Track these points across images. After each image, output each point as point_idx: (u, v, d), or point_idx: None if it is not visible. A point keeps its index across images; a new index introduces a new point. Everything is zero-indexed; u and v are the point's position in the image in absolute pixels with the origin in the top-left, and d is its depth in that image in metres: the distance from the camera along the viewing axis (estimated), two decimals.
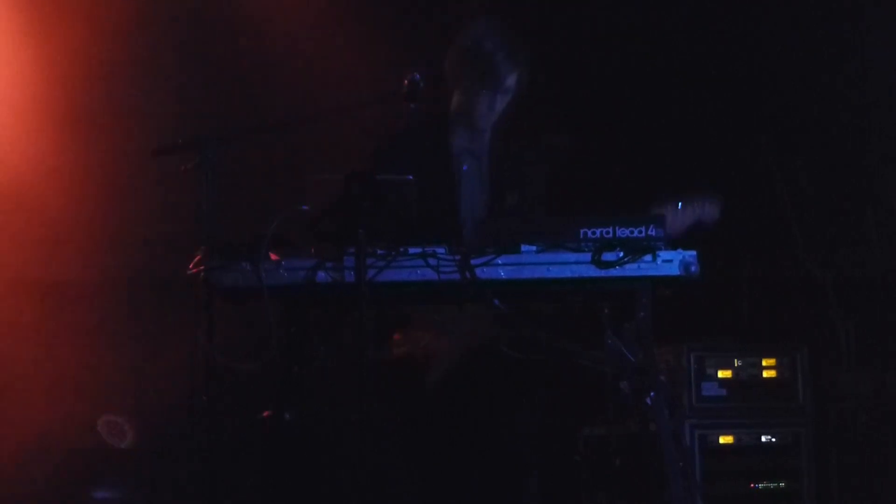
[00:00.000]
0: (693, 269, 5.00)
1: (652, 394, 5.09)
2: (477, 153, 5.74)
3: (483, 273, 4.97)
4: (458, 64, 5.62)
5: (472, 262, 4.95)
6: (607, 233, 5.02)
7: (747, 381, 7.07)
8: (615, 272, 4.99)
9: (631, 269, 5.00)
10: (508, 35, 5.68)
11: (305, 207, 4.96)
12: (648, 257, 5.00)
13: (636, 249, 4.99)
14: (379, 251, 4.93)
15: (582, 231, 5.01)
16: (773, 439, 7.06)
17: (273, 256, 4.98)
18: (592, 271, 4.99)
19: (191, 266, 4.96)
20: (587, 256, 4.99)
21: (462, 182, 5.70)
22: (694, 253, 5.02)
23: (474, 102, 5.62)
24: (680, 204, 5.47)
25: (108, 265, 7.81)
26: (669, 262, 5.01)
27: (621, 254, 4.99)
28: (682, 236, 5.31)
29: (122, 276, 7.80)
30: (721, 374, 7.06)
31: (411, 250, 4.96)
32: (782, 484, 7.04)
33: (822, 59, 7.73)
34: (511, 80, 5.62)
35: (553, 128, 7.56)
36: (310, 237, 5.00)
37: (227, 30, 7.95)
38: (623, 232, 5.02)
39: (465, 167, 5.72)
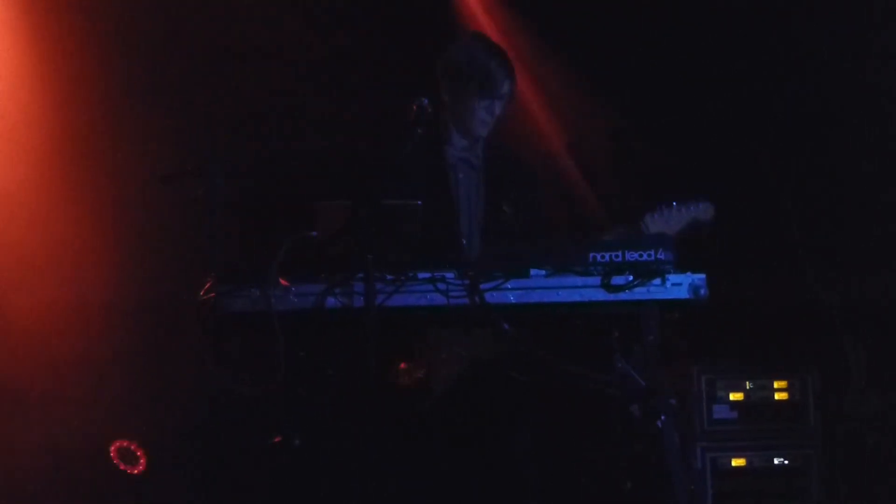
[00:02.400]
0: (702, 292, 5.00)
1: (662, 417, 5.07)
2: (472, 162, 5.81)
3: (492, 297, 4.97)
4: (453, 75, 5.74)
5: (481, 286, 4.96)
6: (616, 256, 5.02)
7: (759, 403, 7.06)
8: (624, 296, 4.99)
9: (640, 293, 5.00)
10: (497, 46, 5.90)
11: (314, 234, 4.97)
12: (657, 281, 5.00)
13: (645, 273, 4.99)
14: (388, 276, 4.94)
15: (591, 255, 5.01)
16: (786, 461, 7.03)
17: (283, 282, 4.99)
18: (601, 295, 4.99)
19: (200, 292, 4.97)
20: (596, 280, 4.99)
21: (459, 190, 5.75)
22: (703, 276, 5.02)
23: (473, 111, 5.73)
24: (674, 204, 5.48)
25: (117, 290, 7.82)
26: (678, 286, 5.01)
27: (630, 277, 4.99)
28: (678, 236, 5.31)
29: (131, 301, 7.80)
30: (732, 396, 7.05)
31: (420, 275, 4.97)
32: None
33: (830, 78, 7.73)
34: (506, 87, 5.78)
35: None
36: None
37: (235, 58, 7.97)
38: (632, 255, 5.02)
39: (460, 175, 5.78)
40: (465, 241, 5.67)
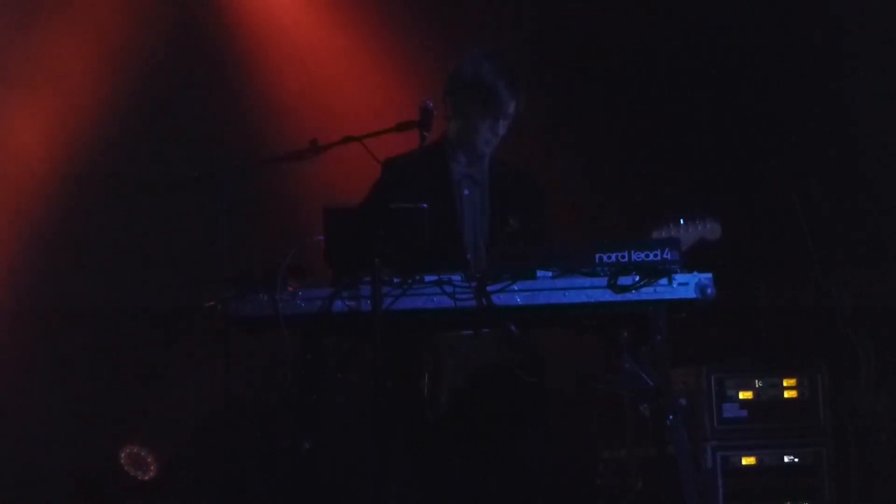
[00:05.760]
0: (709, 291, 4.99)
1: (671, 416, 5.07)
2: (477, 178, 5.80)
3: (499, 299, 4.97)
4: (459, 93, 5.72)
5: (488, 288, 4.96)
6: (622, 257, 5.01)
7: (768, 401, 7.05)
8: (631, 296, 4.99)
9: (647, 293, 4.99)
10: (506, 65, 5.83)
11: (321, 237, 4.97)
12: (664, 281, 4.99)
13: (652, 273, 4.99)
14: (395, 279, 4.94)
15: (597, 256, 5.01)
16: (796, 459, 7.03)
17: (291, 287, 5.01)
18: (608, 296, 4.98)
19: (208, 297, 4.98)
20: (603, 281, 4.99)
21: (464, 206, 5.75)
22: (710, 275, 5.00)
23: (477, 129, 5.71)
24: (682, 222, 5.46)
25: (127, 295, 7.83)
26: (685, 286, 5.00)
27: (637, 278, 4.99)
28: (686, 254, 5.31)
29: (140, 305, 7.81)
30: (742, 395, 7.04)
31: (427, 278, 4.97)
32: None
33: (839, 79, 7.72)
34: (512, 107, 5.75)
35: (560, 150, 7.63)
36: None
37: (243, 63, 7.99)
38: (638, 256, 5.00)
39: (466, 192, 5.78)
40: (469, 256, 5.66)
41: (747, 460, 7.02)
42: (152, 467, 7.97)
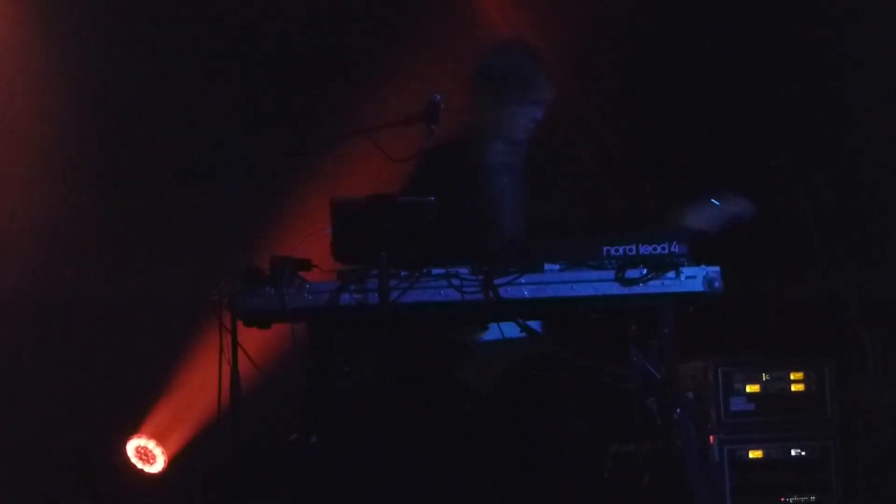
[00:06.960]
0: (717, 284, 5.00)
1: (678, 410, 5.08)
2: (515, 166, 5.80)
3: (506, 292, 4.97)
4: (494, 81, 5.72)
5: (496, 281, 4.96)
6: (630, 250, 5.01)
7: (775, 395, 7.04)
8: (638, 289, 4.99)
9: (654, 286, 4.99)
10: (538, 51, 5.87)
11: (328, 231, 4.97)
12: (672, 274, 4.99)
13: (659, 266, 4.99)
14: (402, 272, 4.94)
15: (605, 248, 5.01)
16: (803, 453, 7.02)
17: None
18: (616, 289, 4.99)
19: (215, 291, 4.97)
20: (610, 274, 4.99)
21: (503, 195, 5.75)
22: (717, 269, 5.01)
23: (515, 116, 5.71)
24: (715, 202, 5.47)
25: (133, 288, 7.84)
26: (693, 279, 5.00)
27: (644, 271, 4.99)
28: (720, 231, 5.32)
29: (147, 299, 7.82)
30: (749, 388, 7.03)
31: (434, 271, 4.97)
32: (813, 497, 7.01)
33: (844, 73, 7.71)
34: (548, 93, 5.75)
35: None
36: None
37: (249, 56, 8.00)
38: (646, 249, 5.01)
39: (504, 180, 5.78)
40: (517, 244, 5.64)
41: (754, 454, 7.01)
42: (159, 460, 7.98)
